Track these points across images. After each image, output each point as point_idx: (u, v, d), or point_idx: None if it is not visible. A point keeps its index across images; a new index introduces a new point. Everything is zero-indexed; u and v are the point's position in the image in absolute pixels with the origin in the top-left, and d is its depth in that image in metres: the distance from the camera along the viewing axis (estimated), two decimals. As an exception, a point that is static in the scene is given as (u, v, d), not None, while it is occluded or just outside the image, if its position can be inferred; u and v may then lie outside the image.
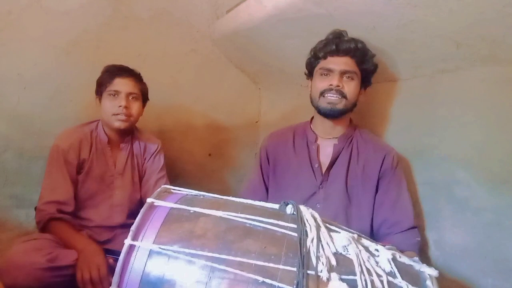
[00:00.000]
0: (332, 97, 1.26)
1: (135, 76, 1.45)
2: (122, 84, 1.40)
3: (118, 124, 1.40)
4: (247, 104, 2.20)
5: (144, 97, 1.49)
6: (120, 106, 1.38)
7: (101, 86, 1.42)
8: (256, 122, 2.23)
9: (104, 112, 1.41)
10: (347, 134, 1.34)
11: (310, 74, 1.39)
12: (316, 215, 0.86)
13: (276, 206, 0.90)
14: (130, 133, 1.53)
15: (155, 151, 1.57)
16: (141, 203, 0.83)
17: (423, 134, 1.34)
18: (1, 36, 1.51)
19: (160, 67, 1.86)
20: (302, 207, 0.87)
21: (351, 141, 1.34)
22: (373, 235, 1.27)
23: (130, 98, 1.41)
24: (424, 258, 1.27)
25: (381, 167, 1.27)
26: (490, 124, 1.14)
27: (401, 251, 1.11)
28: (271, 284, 0.71)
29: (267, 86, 2.16)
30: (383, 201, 1.26)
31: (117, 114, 1.39)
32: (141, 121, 1.52)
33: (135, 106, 1.43)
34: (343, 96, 1.26)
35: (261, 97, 2.22)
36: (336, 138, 1.33)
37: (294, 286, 0.71)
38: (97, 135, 1.46)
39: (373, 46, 1.31)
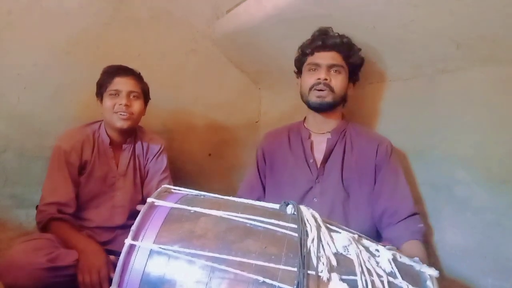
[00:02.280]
0: (320, 90, 1.29)
1: (135, 75, 1.45)
2: (122, 83, 1.39)
3: (120, 123, 1.39)
4: (247, 104, 2.20)
5: (145, 96, 1.48)
6: (121, 104, 1.37)
7: (101, 87, 1.42)
8: (256, 122, 2.23)
9: (106, 112, 1.40)
10: (339, 128, 1.35)
11: (299, 72, 1.43)
12: (317, 215, 0.86)
13: (277, 206, 0.90)
14: (133, 133, 1.52)
15: (158, 151, 1.55)
16: (143, 204, 0.83)
17: (423, 134, 1.34)
18: (1, 36, 1.51)
19: (160, 67, 1.86)
20: (303, 207, 0.87)
21: (344, 134, 1.35)
22: (375, 228, 1.27)
23: (131, 96, 1.41)
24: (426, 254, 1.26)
25: (375, 157, 1.28)
26: (490, 124, 1.14)
27: (406, 241, 1.14)
28: (272, 284, 0.71)
29: (267, 86, 2.16)
30: (380, 191, 1.26)
31: (119, 112, 1.37)
32: (141, 121, 1.51)
33: (136, 105, 1.42)
34: (331, 89, 1.29)
35: (261, 97, 2.22)
36: (329, 132, 1.35)
37: (295, 286, 0.70)
38: (99, 136, 1.45)
39: (373, 46, 1.31)
